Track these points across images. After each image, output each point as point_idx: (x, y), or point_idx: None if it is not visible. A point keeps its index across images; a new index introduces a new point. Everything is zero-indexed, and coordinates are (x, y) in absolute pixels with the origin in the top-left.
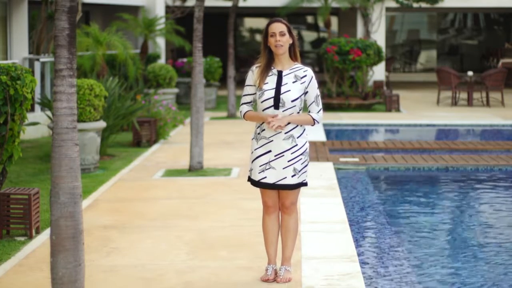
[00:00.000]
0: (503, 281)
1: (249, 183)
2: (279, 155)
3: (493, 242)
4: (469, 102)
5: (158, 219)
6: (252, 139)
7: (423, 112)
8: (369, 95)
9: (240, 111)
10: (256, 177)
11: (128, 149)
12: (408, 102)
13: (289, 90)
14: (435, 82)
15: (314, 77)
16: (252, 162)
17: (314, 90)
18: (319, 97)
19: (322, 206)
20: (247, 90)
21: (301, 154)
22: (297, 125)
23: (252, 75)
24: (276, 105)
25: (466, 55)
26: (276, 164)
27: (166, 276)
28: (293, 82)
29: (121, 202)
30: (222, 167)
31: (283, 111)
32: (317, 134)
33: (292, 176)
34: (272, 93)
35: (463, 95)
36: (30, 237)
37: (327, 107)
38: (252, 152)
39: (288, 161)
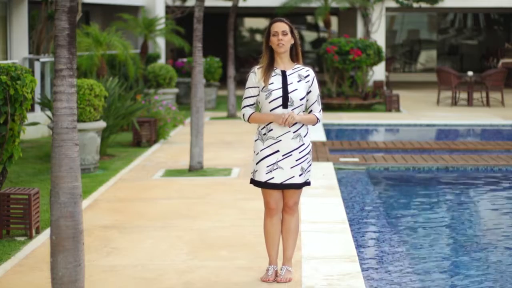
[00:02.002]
0: (504, 281)
1: (251, 185)
2: (287, 154)
3: (494, 242)
4: (469, 102)
5: (158, 219)
6: (256, 140)
7: (423, 112)
8: (369, 95)
9: (243, 114)
10: (263, 178)
11: (128, 149)
12: (408, 102)
13: (296, 89)
14: (435, 82)
15: (315, 77)
16: (257, 163)
17: (316, 90)
18: (319, 96)
19: (322, 206)
20: (250, 92)
21: (307, 154)
22: (303, 124)
23: (255, 76)
24: (285, 105)
25: (466, 55)
26: (284, 164)
27: (166, 276)
28: (298, 81)
29: (121, 202)
30: (222, 167)
31: (291, 110)
32: (317, 134)
33: (300, 175)
34: (280, 92)
35: (463, 95)
36: (30, 237)
37: (327, 107)
38: (257, 154)
39: (296, 160)
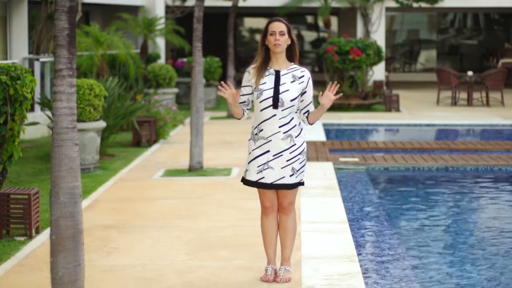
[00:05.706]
0: (504, 281)
1: (242, 183)
2: (278, 155)
3: (493, 242)
4: (469, 102)
5: (158, 219)
6: (249, 140)
7: (423, 112)
8: (369, 95)
9: None
10: (254, 177)
11: (128, 149)
12: (408, 102)
13: (288, 90)
14: (435, 82)
15: (311, 78)
16: (249, 163)
17: (312, 90)
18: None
19: (322, 206)
20: (242, 90)
21: (299, 154)
22: (295, 125)
23: (249, 75)
24: (275, 105)
25: (466, 55)
26: (274, 164)
27: (166, 276)
28: (291, 82)
29: (121, 202)
30: (222, 167)
31: (282, 110)
32: (317, 134)
33: (291, 176)
34: (270, 92)
35: (463, 95)
36: (30, 237)
37: None
38: (249, 153)
39: (287, 161)
